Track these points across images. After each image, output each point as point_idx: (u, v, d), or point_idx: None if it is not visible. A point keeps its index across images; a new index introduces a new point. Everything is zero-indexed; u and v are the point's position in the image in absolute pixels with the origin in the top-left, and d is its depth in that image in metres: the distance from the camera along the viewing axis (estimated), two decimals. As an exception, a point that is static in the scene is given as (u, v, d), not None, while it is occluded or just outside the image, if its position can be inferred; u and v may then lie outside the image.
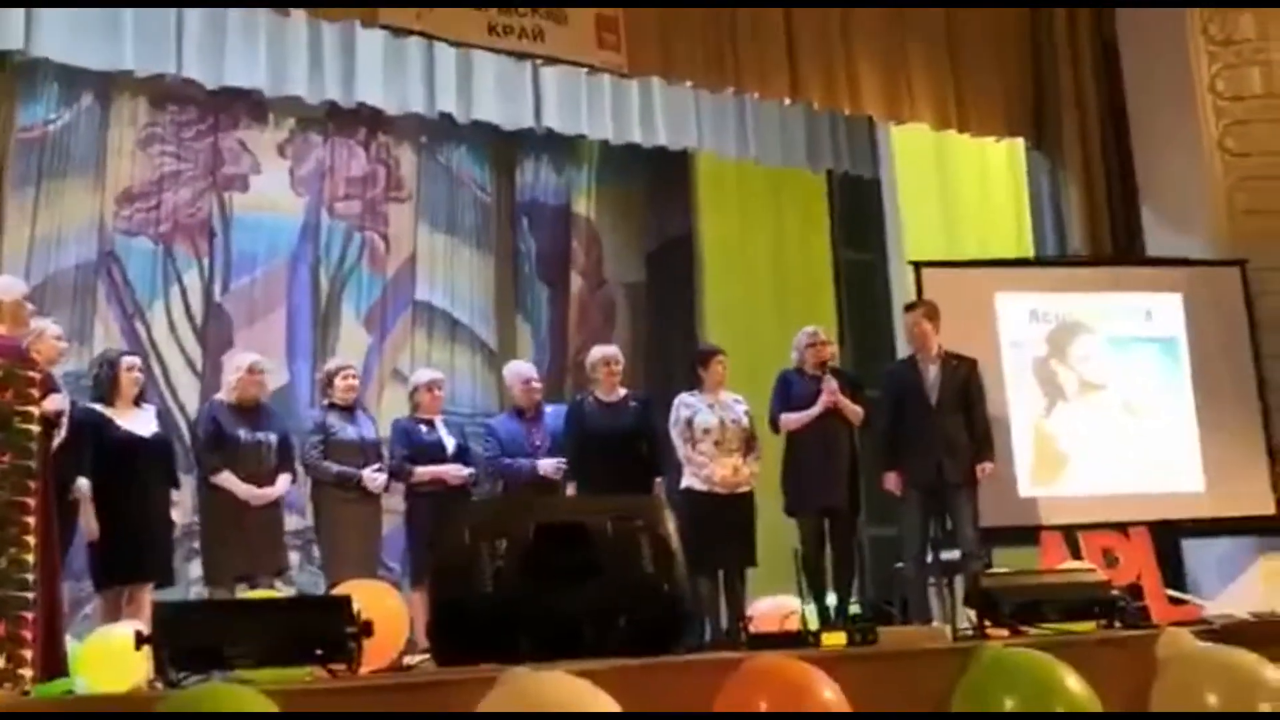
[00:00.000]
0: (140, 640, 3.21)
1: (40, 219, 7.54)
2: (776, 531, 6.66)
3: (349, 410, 6.66)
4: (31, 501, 4.15)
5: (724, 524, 6.35)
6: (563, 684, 3.02)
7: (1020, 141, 8.74)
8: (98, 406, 5.87)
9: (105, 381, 5.99)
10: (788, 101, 8.06)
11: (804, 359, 6.71)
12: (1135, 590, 6.70)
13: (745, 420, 6.62)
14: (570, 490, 6.58)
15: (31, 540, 4.11)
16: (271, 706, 2.74)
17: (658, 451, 6.69)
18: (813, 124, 9.11)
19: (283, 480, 6.29)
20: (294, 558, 6.94)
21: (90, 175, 7.79)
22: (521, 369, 7.19)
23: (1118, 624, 4.92)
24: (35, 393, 4.35)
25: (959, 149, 8.76)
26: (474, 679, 3.05)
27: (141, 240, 7.93)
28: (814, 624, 5.63)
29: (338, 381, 6.64)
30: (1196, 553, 7.73)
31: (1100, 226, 8.41)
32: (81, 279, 7.64)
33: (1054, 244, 8.52)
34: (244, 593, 5.95)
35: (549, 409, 7.00)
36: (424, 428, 6.79)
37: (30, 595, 4.03)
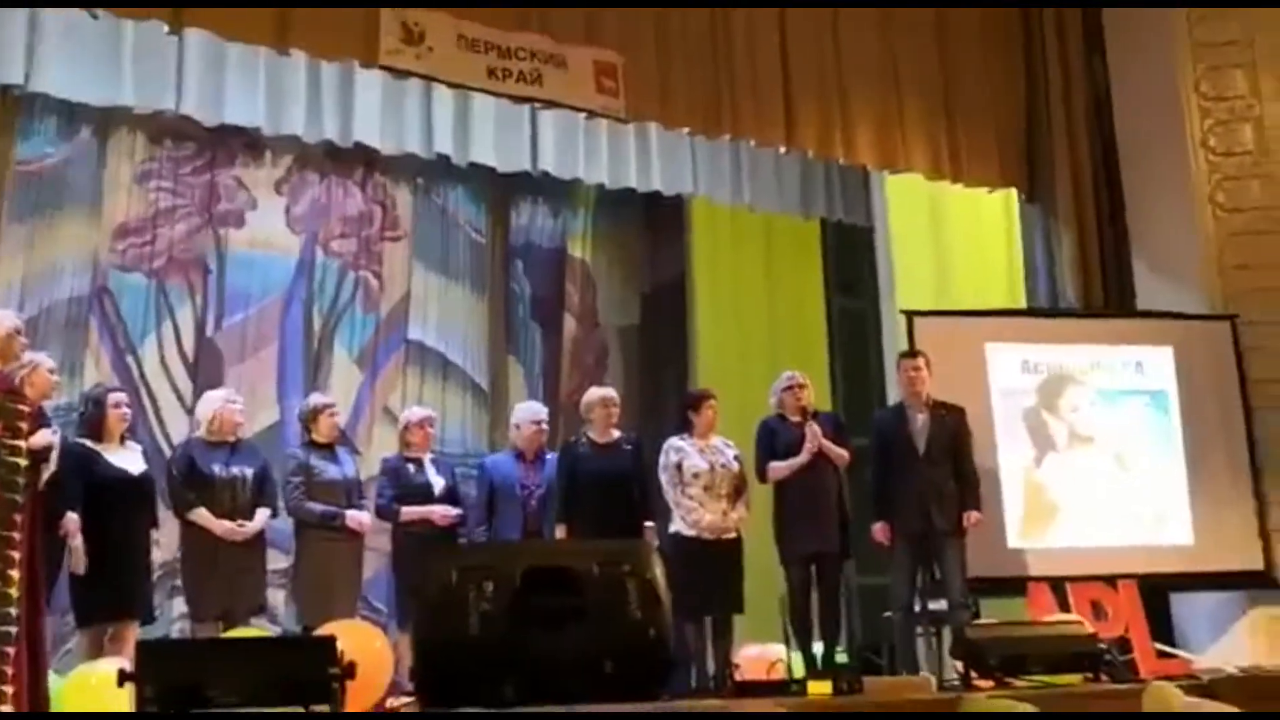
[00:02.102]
0: (123, 678, 3.19)
1: (35, 252, 7.54)
2: (765, 578, 6.65)
3: (330, 449, 6.65)
4: (16, 535, 4.15)
5: (711, 570, 6.32)
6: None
7: (1013, 192, 8.79)
8: (86, 442, 5.87)
9: (92, 419, 5.99)
10: (783, 150, 8.12)
11: (783, 403, 6.72)
12: (1123, 643, 6.69)
13: (735, 465, 6.60)
14: (560, 533, 6.55)
15: (15, 575, 4.11)
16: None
17: (650, 495, 6.66)
18: (807, 171, 9.17)
19: (260, 515, 6.25)
20: (279, 596, 6.90)
21: (86, 209, 7.79)
22: (534, 409, 7.15)
23: (1104, 677, 4.92)
24: (24, 426, 4.36)
25: (952, 199, 8.80)
26: (456, 723, 3.03)
27: (136, 275, 7.92)
28: (800, 672, 5.63)
29: (322, 419, 6.64)
30: (1185, 606, 7.71)
31: (1092, 279, 8.45)
32: (75, 313, 7.62)
33: (1046, 295, 8.54)
34: (221, 631, 5.92)
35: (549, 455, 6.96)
36: (412, 467, 6.78)
37: (12, 630, 4.02)
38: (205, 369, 7.93)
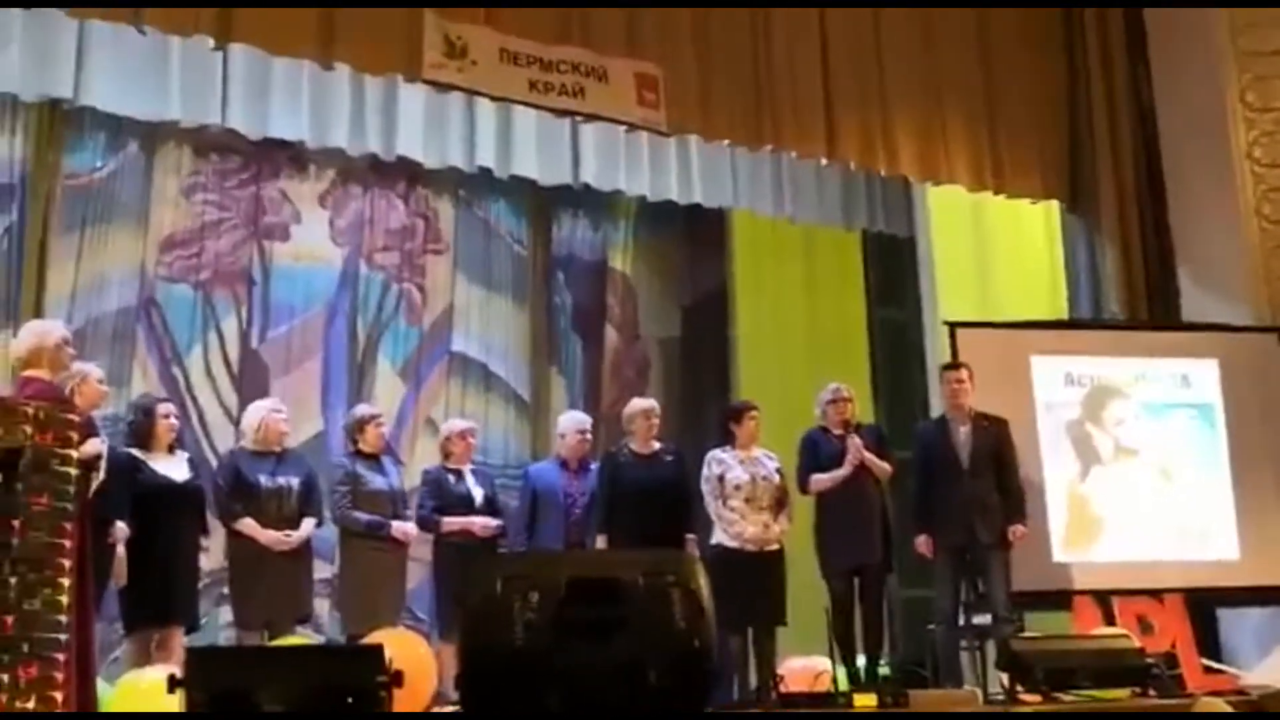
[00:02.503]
0: (174, 683, 3.22)
1: (84, 264, 7.66)
2: (808, 591, 6.63)
3: (376, 459, 6.69)
4: (67, 544, 4.18)
5: (753, 582, 6.32)
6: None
7: (1056, 204, 8.73)
8: (134, 451, 5.93)
9: (141, 428, 6.06)
10: (824, 161, 8.10)
11: (826, 416, 6.71)
12: (1170, 659, 6.62)
13: (777, 477, 6.60)
14: (600, 543, 6.55)
15: (66, 582, 4.14)
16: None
17: (691, 506, 6.67)
18: (848, 183, 9.14)
19: (306, 525, 6.29)
20: (324, 605, 6.93)
21: (134, 222, 7.89)
22: (580, 418, 7.18)
23: (1151, 692, 4.87)
24: (74, 436, 4.39)
25: (994, 210, 8.76)
26: (503, 732, 3.03)
27: (182, 287, 8.02)
28: (845, 685, 5.60)
29: (369, 429, 6.68)
30: (1232, 622, 7.63)
31: (1136, 291, 8.38)
32: (122, 324, 7.73)
33: (1089, 307, 8.49)
34: (266, 640, 5.95)
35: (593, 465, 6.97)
36: (453, 478, 6.81)
37: (63, 637, 4.05)
38: (250, 380, 8.01)
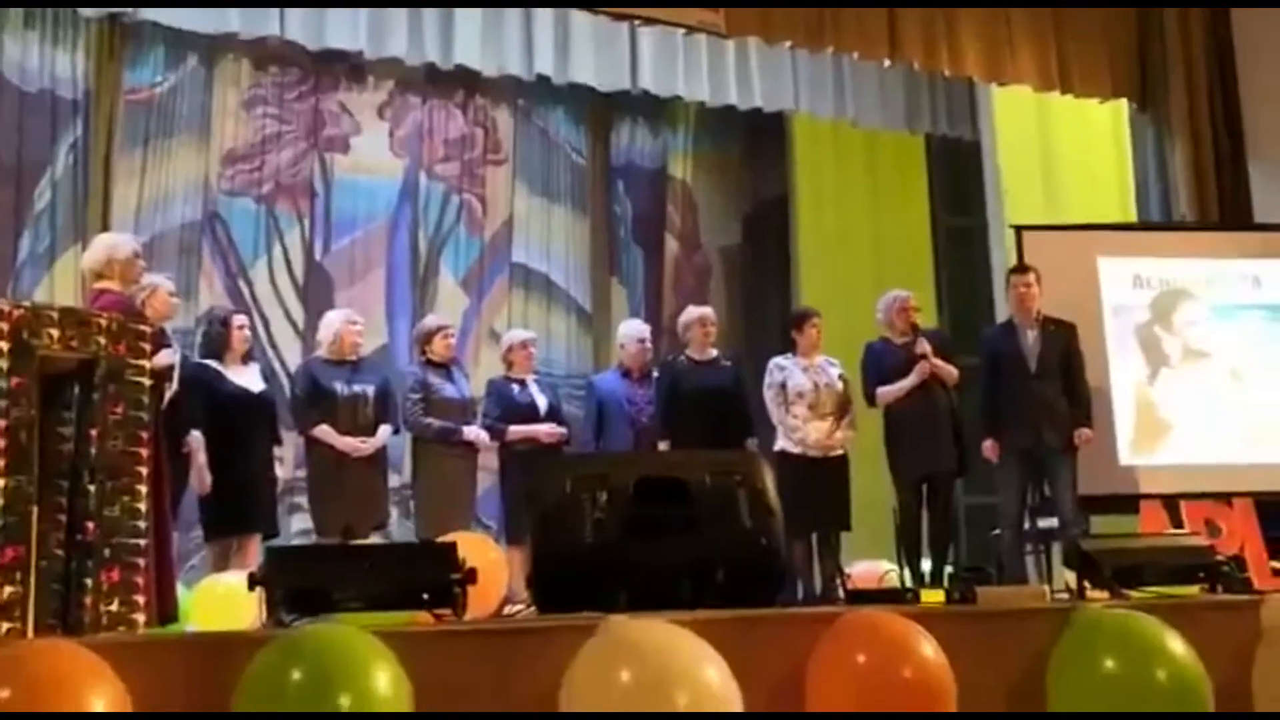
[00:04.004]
0: (253, 582, 3.28)
1: (148, 179, 7.74)
2: (872, 497, 6.63)
3: (445, 368, 6.76)
4: (144, 452, 4.23)
5: (817, 487, 6.33)
6: (662, 632, 3.04)
7: (1124, 103, 8.55)
8: (209, 362, 6.02)
9: (216, 339, 6.15)
10: (887, 63, 7.97)
11: (892, 322, 6.65)
12: (1238, 562, 6.57)
13: (839, 384, 6.58)
14: (663, 448, 6.58)
15: (144, 489, 4.20)
16: (381, 647, 2.80)
17: (748, 412, 6.68)
18: (911, 86, 9.02)
19: (383, 431, 6.37)
20: (393, 512, 7.04)
21: (195, 136, 7.96)
22: (639, 326, 7.19)
23: (1221, 589, 4.83)
24: (147, 346, 4.44)
25: (1061, 111, 8.61)
26: (575, 626, 3.08)
27: (245, 200, 8.08)
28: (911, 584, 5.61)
29: (437, 340, 6.75)
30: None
31: (1207, 190, 8.22)
32: (187, 238, 7.83)
33: (1159, 208, 8.35)
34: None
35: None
36: (516, 387, 6.86)
37: (143, 542, 4.12)
38: (315, 292, 8.10)
